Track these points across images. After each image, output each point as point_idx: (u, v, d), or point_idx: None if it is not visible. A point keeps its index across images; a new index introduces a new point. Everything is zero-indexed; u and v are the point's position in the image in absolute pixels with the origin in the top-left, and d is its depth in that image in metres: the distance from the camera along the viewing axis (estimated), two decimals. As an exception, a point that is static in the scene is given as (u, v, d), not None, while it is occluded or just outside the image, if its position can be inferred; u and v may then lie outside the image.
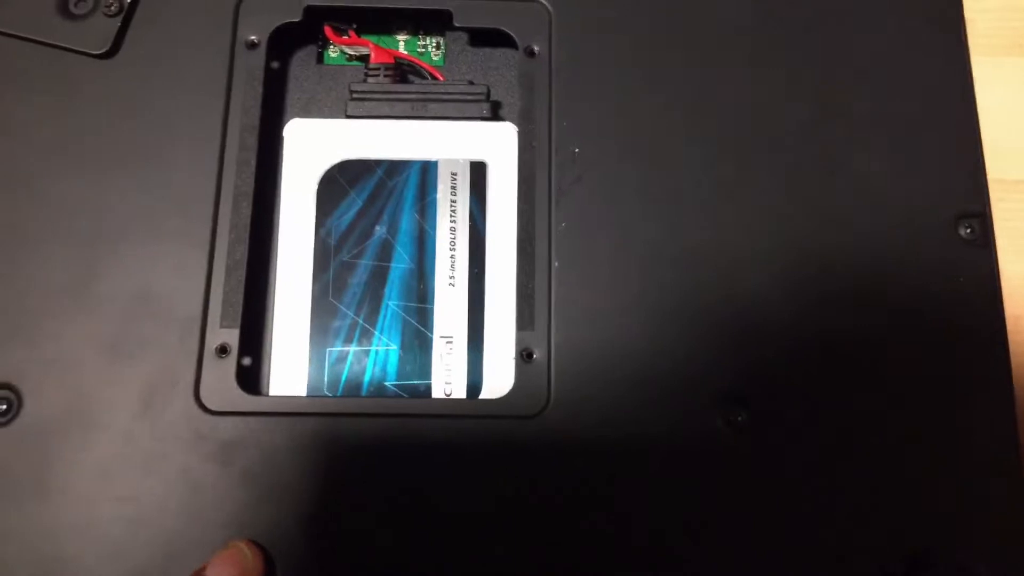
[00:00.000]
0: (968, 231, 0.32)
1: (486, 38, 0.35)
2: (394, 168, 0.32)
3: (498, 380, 0.31)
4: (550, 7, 0.34)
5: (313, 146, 0.32)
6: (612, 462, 0.30)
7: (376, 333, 0.30)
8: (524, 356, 0.30)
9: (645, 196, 0.32)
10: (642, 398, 0.30)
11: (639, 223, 0.32)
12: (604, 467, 0.30)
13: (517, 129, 0.33)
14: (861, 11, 0.35)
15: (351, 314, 0.31)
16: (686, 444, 0.30)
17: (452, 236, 0.31)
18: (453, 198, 0.31)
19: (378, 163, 0.32)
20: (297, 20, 0.34)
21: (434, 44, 0.36)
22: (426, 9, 0.34)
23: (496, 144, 0.32)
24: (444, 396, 0.30)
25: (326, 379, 0.30)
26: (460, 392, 0.31)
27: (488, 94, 0.33)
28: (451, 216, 0.31)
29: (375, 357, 0.30)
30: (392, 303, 0.31)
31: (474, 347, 0.31)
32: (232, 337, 0.30)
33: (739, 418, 0.30)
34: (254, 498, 0.29)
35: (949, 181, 0.33)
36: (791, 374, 0.31)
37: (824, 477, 0.30)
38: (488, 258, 0.31)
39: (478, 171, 0.32)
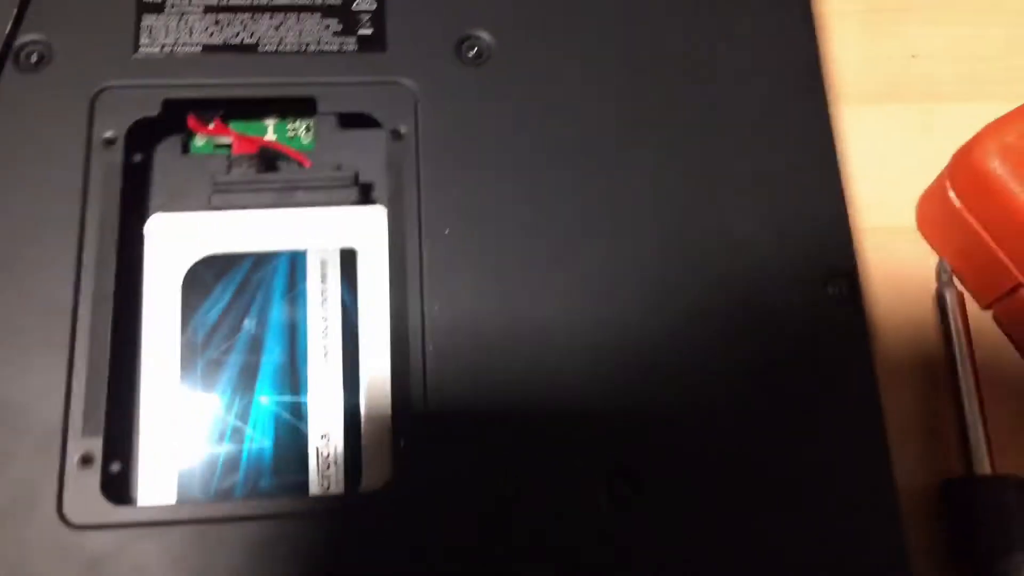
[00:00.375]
0: (836, 290, 0.32)
1: (355, 120, 0.34)
2: (261, 260, 0.31)
3: (377, 469, 0.30)
4: (415, 88, 0.34)
5: (176, 241, 0.31)
6: (497, 543, 0.29)
7: (248, 430, 0.29)
8: (400, 443, 0.29)
9: (516, 274, 0.32)
10: (525, 475, 0.29)
11: (511, 300, 0.31)
12: (490, 548, 0.29)
13: (387, 211, 0.32)
14: (723, 70, 0.35)
15: (222, 413, 0.29)
16: (571, 520, 0.29)
17: (324, 326, 0.30)
18: (324, 287, 0.31)
19: (245, 256, 0.31)
20: (155, 114, 0.33)
21: (304, 127, 0.35)
22: (289, 97, 0.34)
23: (366, 229, 0.31)
24: (322, 491, 0.29)
25: (198, 482, 0.29)
26: (339, 485, 0.29)
27: (356, 178, 0.33)
28: (322, 306, 0.30)
29: (248, 456, 0.29)
30: (264, 398, 0.29)
31: (351, 438, 0.30)
32: (96, 446, 0.29)
33: (624, 491, 0.29)
34: (124, 616, 0.27)
35: (816, 239, 0.33)
36: (673, 441, 0.30)
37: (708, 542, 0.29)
38: (362, 346, 0.30)
39: (348, 258, 0.31)
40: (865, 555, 0.30)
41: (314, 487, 0.29)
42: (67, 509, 0.28)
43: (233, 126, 0.34)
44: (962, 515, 0.33)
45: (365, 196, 0.33)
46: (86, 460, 0.29)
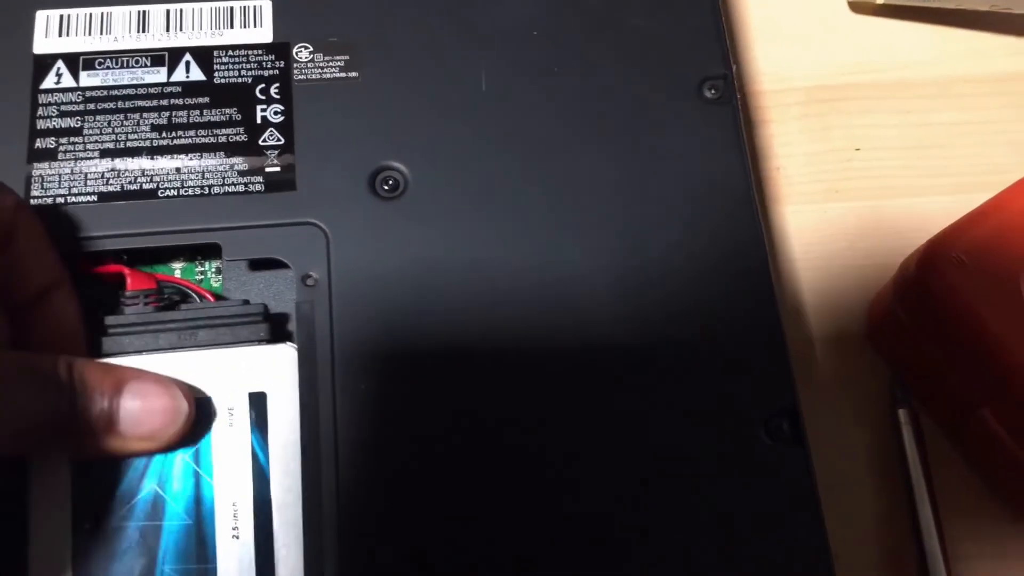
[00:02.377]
0: (781, 429, 0.29)
1: (266, 261, 0.31)
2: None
3: None
4: (328, 228, 0.31)
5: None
6: None
7: None
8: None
9: (433, 420, 0.29)
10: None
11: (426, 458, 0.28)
12: None
13: (297, 349, 0.29)
14: (651, 193, 0.32)
15: None
16: None
17: (232, 480, 0.27)
18: (231, 435, 0.27)
19: None
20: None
21: (213, 269, 0.32)
22: (191, 245, 0.31)
23: (276, 370, 0.28)
24: None
25: None
26: None
27: (266, 313, 0.29)
28: (230, 457, 0.27)
29: None
30: (168, 568, 0.26)
31: None
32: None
33: None
34: None
35: (754, 374, 0.30)
36: None
37: None
38: (275, 501, 0.27)
39: (258, 403, 0.28)
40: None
41: None
42: None
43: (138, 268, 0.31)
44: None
45: (277, 331, 0.29)
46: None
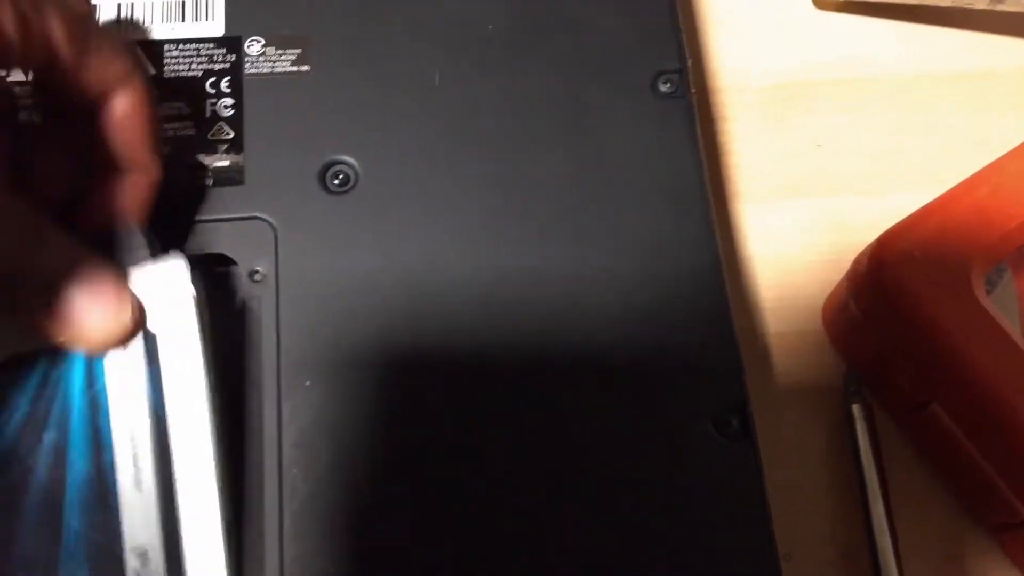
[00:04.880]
0: (730, 425, 0.29)
1: (212, 258, 0.30)
2: (54, 358, 0.26)
3: None
4: (276, 223, 0.30)
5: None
6: None
7: (61, 563, 0.25)
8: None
9: (385, 435, 0.28)
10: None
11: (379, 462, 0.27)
12: None
13: (187, 267, 0.26)
14: (605, 192, 0.31)
15: (28, 546, 0.25)
16: None
17: (132, 428, 0.25)
18: (127, 381, 0.26)
19: (38, 353, 0.26)
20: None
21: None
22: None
23: (164, 297, 0.26)
24: None
25: None
26: None
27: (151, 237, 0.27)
28: (127, 406, 0.26)
29: None
30: (73, 520, 0.25)
31: (173, 558, 0.25)
32: None
33: None
34: None
35: (704, 371, 0.29)
36: None
37: None
38: (176, 448, 0.26)
39: (149, 340, 0.26)
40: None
41: None
42: None
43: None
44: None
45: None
46: None
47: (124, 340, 0.25)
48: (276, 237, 0.30)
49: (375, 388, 0.28)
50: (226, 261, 0.30)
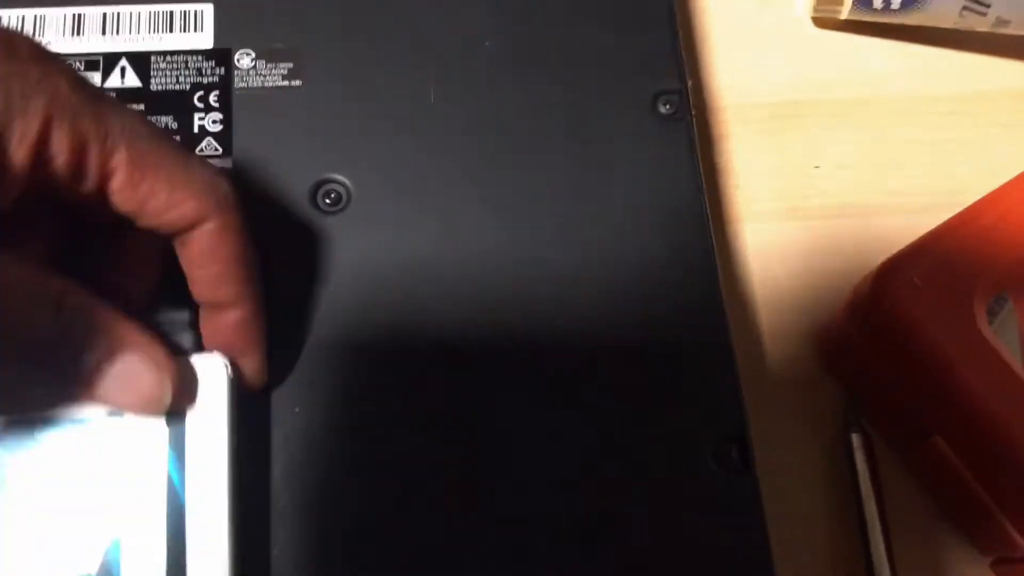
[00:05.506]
0: (729, 457, 0.28)
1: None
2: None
3: None
4: (264, 244, 0.29)
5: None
6: None
7: None
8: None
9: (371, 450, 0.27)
10: None
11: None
12: None
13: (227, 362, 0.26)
14: (604, 209, 0.30)
15: None
16: None
17: (143, 523, 0.24)
18: (143, 466, 0.24)
19: None
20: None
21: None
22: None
23: (202, 387, 0.25)
24: None
25: None
26: None
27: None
28: (140, 492, 0.24)
29: None
30: None
31: None
32: None
33: None
34: None
35: (705, 402, 0.29)
36: None
37: None
38: (191, 546, 0.24)
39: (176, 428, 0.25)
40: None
41: None
42: None
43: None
44: None
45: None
46: None
47: (158, 409, 0.24)
48: (265, 257, 0.29)
49: (368, 413, 0.28)
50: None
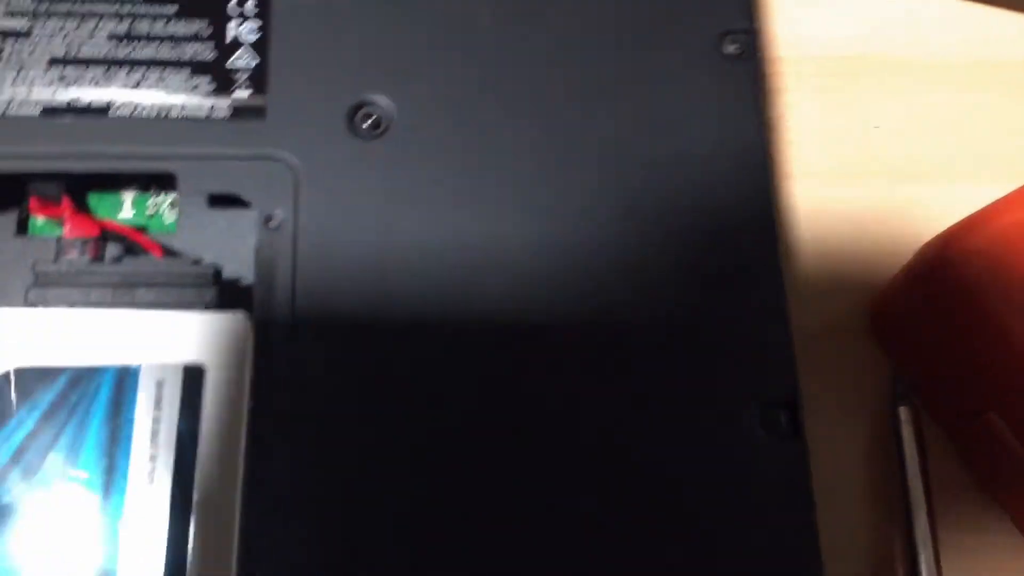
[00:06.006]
0: (778, 422, 0.26)
1: (227, 198, 0.27)
2: (80, 377, 0.23)
3: None
4: (298, 165, 0.27)
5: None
6: None
7: None
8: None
9: (398, 403, 0.25)
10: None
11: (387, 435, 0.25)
12: None
13: (253, 320, 0.25)
14: (660, 147, 0.28)
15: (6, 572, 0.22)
16: None
17: (152, 467, 0.23)
18: (157, 414, 0.23)
19: (59, 371, 0.23)
20: (-19, 183, 0.26)
21: (168, 203, 0.28)
22: (143, 172, 0.27)
23: (221, 341, 0.24)
24: None
25: None
26: None
27: (217, 276, 0.26)
28: (152, 439, 0.23)
29: None
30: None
31: None
32: None
33: None
34: None
35: (754, 362, 0.27)
36: None
37: None
38: (201, 494, 0.23)
39: (193, 378, 0.24)
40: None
41: None
42: None
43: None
44: None
45: (229, 297, 0.26)
46: None
47: None
48: (297, 181, 0.27)
49: (395, 353, 0.26)
50: (239, 203, 0.27)
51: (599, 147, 0.28)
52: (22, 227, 0.27)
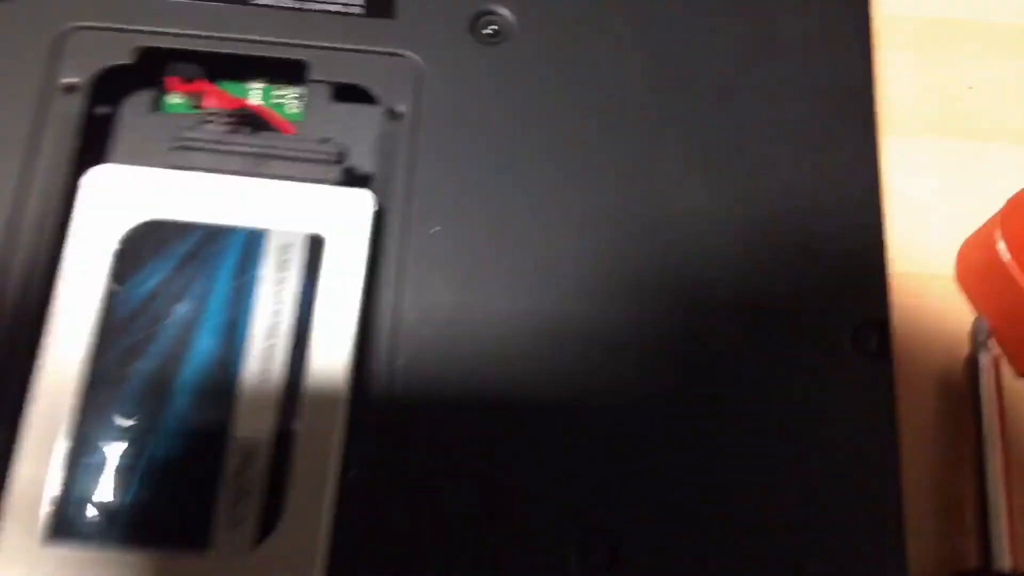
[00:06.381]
0: (869, 342, 0.27)
1: (349, 94, 0.28)
2: (213, 236, 0.25)
3: (306, 507, 0.23)
4: (421, 64, 0.28)
5: (116, 199, 0.25)
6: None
7: (154, 438, 0.23)
8: (347, 472, 0.24)
9: (508, 278, 0.26)
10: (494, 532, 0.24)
11: (501, 307, 0.26)
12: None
13: (375, 198, 0.26)
14: (765, 81, 0.29)
15: (127, 411, 0.23)
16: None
17: (273, 322, 0.24)
18: (279, 276, 0.25)
19: (194, 227, 0.25)
20: (127, 63, 0.27)
21: (294, 96, 0.29)
22: (278, 58, 0.28)
23: (342, 214, 0.25)
24: (229, 529, 0.23)
25: (78, 506, 0.22)
26: (251, 525, 0.23)
27: (341, 157, 0.27)
28: (275, 299, 0.24)
29: (146, 472, 0.23)
30: (181, 400, 0.23)
31: (279, 464, 0.23)
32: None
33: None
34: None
35: (847, 283, 0.28)
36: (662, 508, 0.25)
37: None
38: (314, 353, 0.24)
39: (314, 247, 0.25)
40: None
41: (221, 524, 0.22)
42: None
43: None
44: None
45: (350, 178, 0.27)
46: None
47: None
48: (420, 78, 0.28)
49: (504, 244, 0.27)
50: (361, 98, 0.28)
51: (708, 68, 0.29)
52: (153, 106, 0.29)
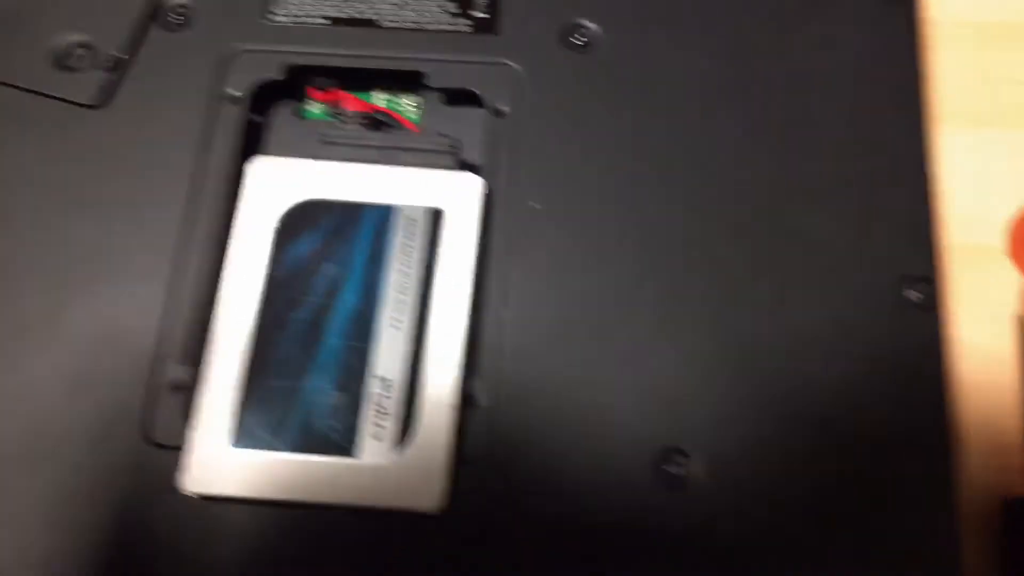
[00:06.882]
0: (916, 295, 0.30)
1: (459, 98, 0.33)
2: (354, 211, 0.30)
3: (432, 430, 0.28)
4: (521, 71, 0.33)
5: (275, 184, 0.31)
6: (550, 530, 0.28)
7: (311, 370, 0.28)
8: (464, 403, 0.28)
9: (601, 254, 0.31)
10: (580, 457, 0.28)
11: (595, 282, 0.30)
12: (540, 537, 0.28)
13: (484, 181, 0.31)
14: (821, 76, 0.33)
15: (288, 349, 0.29)
16: (620, 511, 0.28)
17: (403, 280, 0.29)
18: (408, 243, 0.30)
19: (339, 204, 0.30)
20: (278, 78, 0.33)
21: (412, 103, 0.35)
22: (400, 70, 0.33)
23: (457, 193, 0.30)
24: (373, 442, 0.28)
25: (254, 419, 0.28)
26: (391, 439, 0.28)
27: (455, 148, 0.32)
28: (404, 262, 0.29)
29: (309, 393, 0.28)
30: (332, 340, 0.29)
31: (411, 392, 0.28)
32: (189, 374, 0.29)
33: (680, 471, 0.28)
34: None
35: (896, 241, 0.31)
36: (733, 431, 0.28)
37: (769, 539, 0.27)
38: (436, 305, 0.29)
39: (435, 219, 0.30)
40: (920, 570, 0.28)
41: (365, 437, 0.28)
42: (156, 432, 0.28)
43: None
44: (1022, 535, 0.30)
45: (463, 166, 0.32)
46: (177, 387, 0.29)
47: None
48: (520, 83, 0.33)
49: (590, 221, 0.31)
50: (472, 102, 0.33)
51: (768, 72, 0.33)
52: (296, 114, 0.34)
